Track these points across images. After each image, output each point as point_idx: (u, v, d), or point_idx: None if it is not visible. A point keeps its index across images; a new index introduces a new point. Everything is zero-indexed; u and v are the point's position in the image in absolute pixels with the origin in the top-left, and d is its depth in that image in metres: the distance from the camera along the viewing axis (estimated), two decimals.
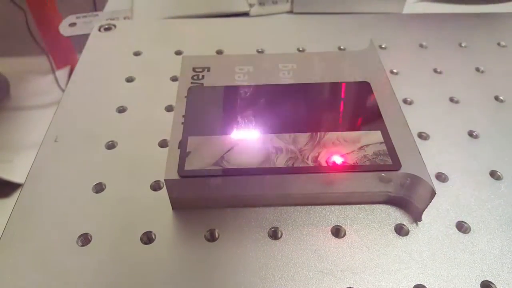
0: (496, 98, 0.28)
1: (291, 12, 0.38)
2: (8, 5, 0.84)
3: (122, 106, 0.27)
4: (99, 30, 0.34)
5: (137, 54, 0.32)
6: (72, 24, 0.38)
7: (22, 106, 0.89)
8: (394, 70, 0.30)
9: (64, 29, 0.37)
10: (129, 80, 0.29)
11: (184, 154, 0.20)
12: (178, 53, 0.32)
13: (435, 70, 0.30)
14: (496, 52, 0.32)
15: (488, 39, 0.33)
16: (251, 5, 0.38)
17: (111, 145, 0.25)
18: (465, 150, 0.25)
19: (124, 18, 0.37)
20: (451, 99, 0.28)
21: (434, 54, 0.32)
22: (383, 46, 0.33)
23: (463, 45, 0.33)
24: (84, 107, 0.27)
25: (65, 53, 0.93)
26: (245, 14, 0.37)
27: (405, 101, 0.28)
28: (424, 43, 0.33)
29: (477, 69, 0.31)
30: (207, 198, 0.21)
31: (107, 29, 0.34)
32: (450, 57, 0.32)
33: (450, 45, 0.33)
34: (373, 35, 0.31)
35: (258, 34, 0.34)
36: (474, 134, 0.26)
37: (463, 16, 0.36)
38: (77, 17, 0.38)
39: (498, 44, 0.33)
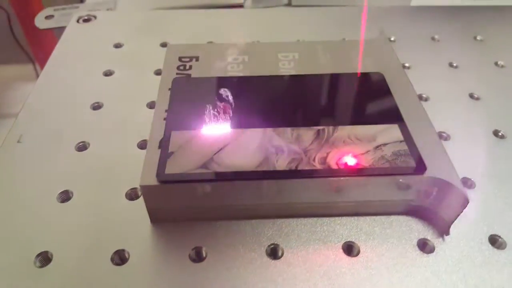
0: None
1: (289, 4, 0.35)
2: None
3: (97, 103, 0.24)
4: (78, 21, 0.31)
5: (118, 46, 0.28)
6: (49, 17, 0.34)
7: (8, 113, 0.86)
8: (406, 64, 0.27)
9: (40, 21, 0.34)
10: (107, 73, 0.26)
11: (165, 155, 0.17)
12: (164, 45, 0.28)
13: (450, 65, 0.27)
14: None
15: (505, 32, 0.31)
16: None
17: (82, 147, 0.21)
18: (491, 151, 0.22)
19: (107, 10, 0.34)
20: (471, 96, 0.25)
21: (447, 47, 0.29)
22: (391, 39, 0.30)
23: (478, 38, 0.30)
24: (54, 103, 0.24)
25: None
26: (239, 6, 0.34)
27: (420, 97, 0.25)
28: (436, 36, 0.30)
29: (496, 63, 0.28)
30: (193, 209, 0.18)
31: (86, 20, 0.31)
32: (466, 50, 0.29)
33: (464, 38, 0.30)
34: (379, 28, 0.28)
35: (253, 27, 0.31)
36: (500, 134, 0.23)
37: (474, 9, 0.33)
38: (55, 9, 0.35)
39: None
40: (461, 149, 0.22)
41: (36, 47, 0.86)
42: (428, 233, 0.18)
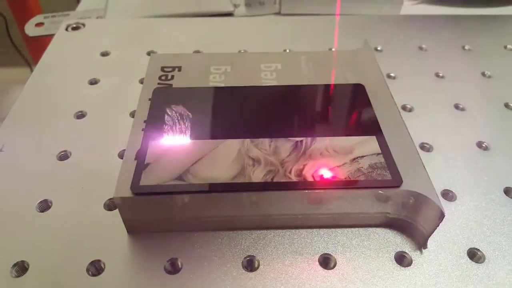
0: (506, 105, 0.25)
1: (278, 13, 0.35)
2: None
3: (81, 111, 0.24)
4: (66, 29, 0.31)
5: (104, 54, 0.28)
6: (39, 24, 0.34)
7: (4, 117, 0.86)
8: (392, 74, 0.27)
9: (30, 29, 0.34)
10: (93, 82, 0.26)
11: (141, 166, 0.17)
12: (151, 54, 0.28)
13: (436, 75, 0.27)
14: (503, 56, 0.29)
15: (493, 42, 0.30)
16: (236, 6, 0.35)
17: (63, 156, 0.21)
18: (474, 163, 0.22)
19: (97, 18, 0.34)
20: (456, 106, 0.25)
21: (435, 57, 0.29)
22: (378, 48, 0.30)
23: (466, 48, 0.30)
24: (38, 112, 0.24)
25: None
26: (229, 14, 0.34)
27: (404, 107, 0.25)
28: (423, 46, 0.30)
29: (483, 74, 0.28)
30: (168, 221, 0.17)
31: (75, 28, 0.31)
32: (453, 60, 0.29)
33: (452, 48, 0.30)
34: (367, 37, 0.28)
35: (242, 36, 0.31)
36: (483, 145, 0.22)
37: (464, 18, 0.33)
38: (45, 17, 0.35)
39: (505, 47, 0.30)
40: (444, 161, 0.22)
41: (34, 51, 0.87)
42: (406, 246, 0.18)
